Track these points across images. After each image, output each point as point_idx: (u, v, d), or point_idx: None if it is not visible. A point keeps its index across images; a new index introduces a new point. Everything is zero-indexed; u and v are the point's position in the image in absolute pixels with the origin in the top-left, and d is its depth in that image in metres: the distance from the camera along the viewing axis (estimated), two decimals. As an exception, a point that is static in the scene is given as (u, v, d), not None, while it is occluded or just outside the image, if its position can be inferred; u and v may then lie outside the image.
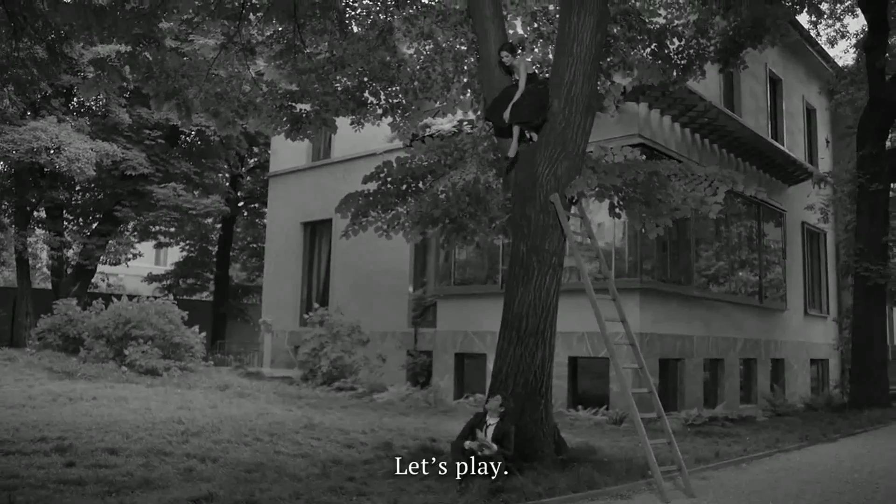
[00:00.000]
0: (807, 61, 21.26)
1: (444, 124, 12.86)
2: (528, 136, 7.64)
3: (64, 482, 6.00)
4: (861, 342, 16.22)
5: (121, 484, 6.04)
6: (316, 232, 21.01)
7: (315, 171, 20.76)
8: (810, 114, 22.04)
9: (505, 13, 8.74)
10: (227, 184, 27.35)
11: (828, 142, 23.08)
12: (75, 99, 22.65)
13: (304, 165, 20.95)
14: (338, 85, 9.61)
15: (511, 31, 9.19)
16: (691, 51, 9.54)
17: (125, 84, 9.96)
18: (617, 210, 8.55)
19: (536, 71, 8.71)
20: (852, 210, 17.87)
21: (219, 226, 29.18)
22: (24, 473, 6.15)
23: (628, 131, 13.49)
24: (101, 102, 21.20)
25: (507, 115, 7.48)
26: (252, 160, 31.03)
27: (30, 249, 22.35)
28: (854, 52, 19.82)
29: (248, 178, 30.51)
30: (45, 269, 29.97)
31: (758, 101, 18.36)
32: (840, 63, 22.02)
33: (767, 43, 9.54)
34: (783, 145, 18.93)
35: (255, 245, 31.97)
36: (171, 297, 18.01)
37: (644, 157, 12.77)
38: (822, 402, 16.66)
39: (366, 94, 9.76)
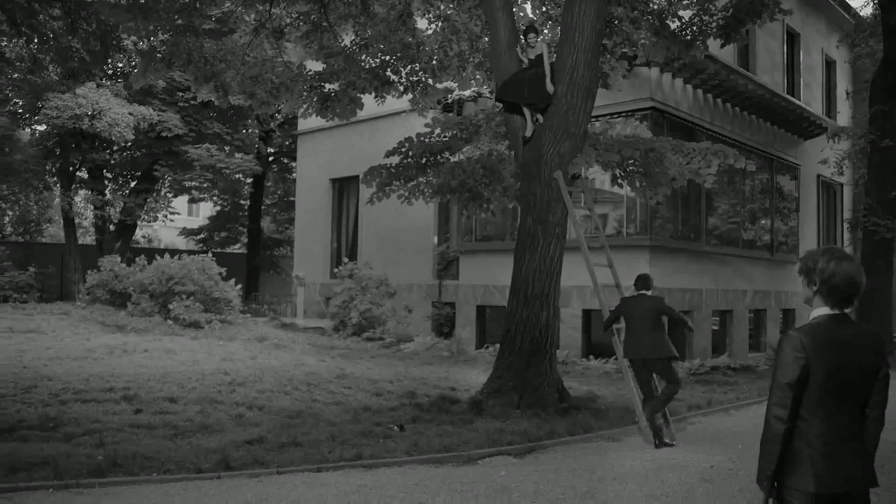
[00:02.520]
0: (827, 14, 21.35)
1: (465, 91, 13.58)
2: (535, 117, 8.39)
3: (136, 426, 7.09)
4: (865, 295, 16.86)
5: (184, 428, 7.11)
6: (344, 188, 21.89)
7: (342, 130, 21.48)
8: (830, 66, 22.19)
9: (515, -3, 9.40)
10: (261, 139, 28.23)
11: (848, 94, 23.24)
12: (110, 62, 23.53)
13: (332, 124, 21.66)
14: (363, 64, 10.35)
15: (521, 14, 9.83)
16: (694, 27, 10.10)
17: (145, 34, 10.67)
18: (619, 181, 9.30)
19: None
20: (864, 165, 18.31)
21: (250, 181, 30.20)
22: (104, 419, 7.25)
23: (639, 95, 14.06)
24: (136, 68, 22.04)
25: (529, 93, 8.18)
26: (280, 115, 31.84)
27: (75, 209, 23.59)
28: (873, 5, 19.90)
29: (278, 133, 31.35)
30: (84, 225, 31.45)
31: (773, 57, 18.65)
32: (861, 14, 22.04)
33: (766, 18, 10.05)
34: (800, 100, 19.27)
35: (285, 199, 33.01)
36: (210, 254, 19.09)
37: (654, 122, 13.46)
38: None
39: (388, 73, 10.50)
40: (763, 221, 18.31)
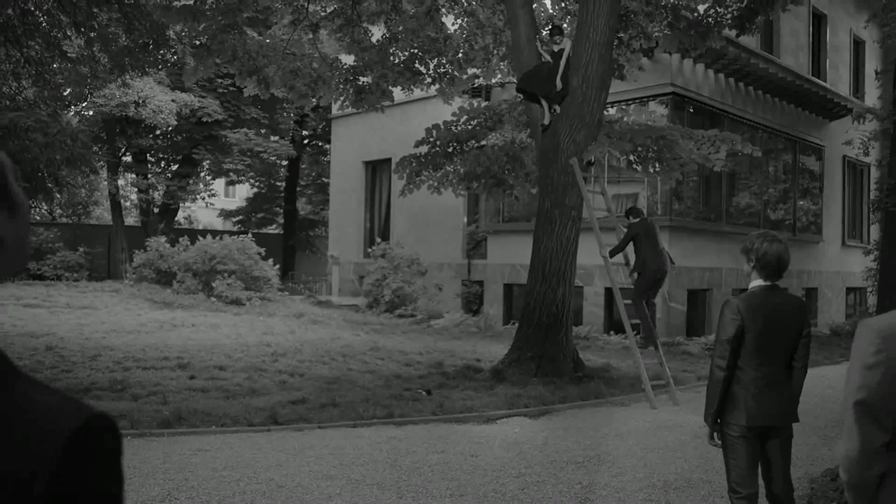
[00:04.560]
0: (857, -7, 21.44)
1: (492, 80, 14.19)
2: (552, 108, 9.01)
3: (192, 389, 7.95)
4: (886, 275, 17.17)
5: (234, 391, 7.96)
6: (376, 170, 22.63)
7: (374, 114, 21.85)
8: (858, 46, 22.26)
9: (535, -6, 9.97)
10: (296, 122, 29.10)
11: (877, 73, 23.25)
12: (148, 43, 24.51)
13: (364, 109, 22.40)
14: (394, 58, 11.04)
15: (542, 12, 10.41)
16: (709, 19, 10.58)
17: (194, 34, 11.52)
18: (634, 166, 9.90)
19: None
20: (887, 146, 18.50)
21: (285, 163, 31.12)
22: (163, 383, 8.13)
23: (661, 80, 14.52)
24: (176, 56, 22.93)
25: (556, 84, 8.87)
26: (314, 99, 32.63)
27: (120, 192, 24.71)
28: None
29: (312, 116, 32.17)
30: (127, 206, 32.69)
31: (798, 39, 18.87)
32: (890, -6, 22.01)
33: (779, 8, 10.49)
34: (826, 81, 19.49)
35: (319, 181, 33.91)
36: (249, 234, 20.00)
37: (675, 107, 13.92)
38: (848, 328, 17.80)
39: (417, 65, 11.17)
40: (786, 203, 18.65)
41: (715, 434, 3.45)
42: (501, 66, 11.04)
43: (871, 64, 22.94)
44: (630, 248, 9.05)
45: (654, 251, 8.83)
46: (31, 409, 0.73)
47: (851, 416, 1.78)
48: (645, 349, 8.86)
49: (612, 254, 8.92)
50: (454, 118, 10.77)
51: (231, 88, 24.04)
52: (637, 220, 9.03)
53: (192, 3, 9.12)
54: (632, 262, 9.24)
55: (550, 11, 10.78)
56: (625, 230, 9.12)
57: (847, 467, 1.82)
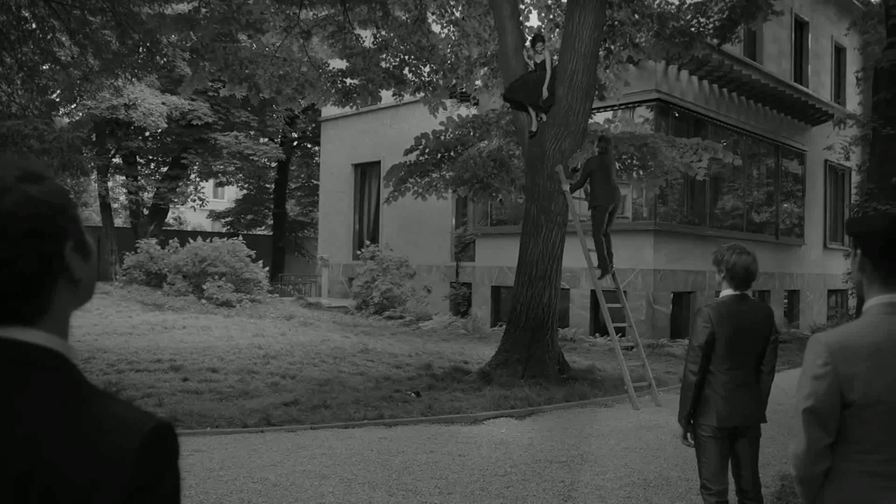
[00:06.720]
0: (837, 1, 21.81)
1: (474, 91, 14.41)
2: (538, 116, 9.24)
3: (186, 391, 8.12)
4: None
5: (227, 393, 8.13)
6: (366, 173, 22.83)
7: (364, 117, 22.37)
8: (839, 53, 22.67)
9: (523, 6, 10.20)
10: (286, 123, 29.23)
11: (858, 78, 23.66)
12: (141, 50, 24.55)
13: (354, 111, 22.54)
14: (383, 63, 11.25)
15: (528, 24, 10.64)
16: (692, 29, 10.84)
17: (188, 42, 11.71)
18: (618, 173, 10.13)
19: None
20: (868, 151, 18.87)
21: (274, 165, 31.22)
22: (157, 385, 8.29)
23: (645, 87, 14.78)
24: (166, 59, 23.03)
25: (543, 94, 9.08)
26: (303, 101, 32.73)
27: (110, 194, 24.75)
28: (881, -7, 20.29)
29: (302, 118, 32.28)
30: (115, 207, 32.66)
31: (781, 46, 19.21)
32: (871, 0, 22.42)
33: (761, 20, 10.77)
34: (808, 87, 19.85)
35: (308, 183, 34.03)
36: (240, 237, 20.09)
37: (660, 112, 14.18)
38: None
39: (404, 72, 11.39)
40: (769, 206, 18.98)
41: (688, 434, 3.67)
42: (487, 80, 11.26)
43: (852, 70, 23.34)
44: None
45: (606, 186, 9.05)
46: (110, 417, 0.93)
47: (801, 420, 2.00)
48: (601, 279, 9.21)
49: (573, 189, 9.25)
50: (443, 127, 10.98)
51: (221, 91, 24.16)
52: (595, 154, 9.30)
53: (186, 12, 9.28)
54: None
55: (538, 24, 11.02)
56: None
57: (796, 464, 2.04)
